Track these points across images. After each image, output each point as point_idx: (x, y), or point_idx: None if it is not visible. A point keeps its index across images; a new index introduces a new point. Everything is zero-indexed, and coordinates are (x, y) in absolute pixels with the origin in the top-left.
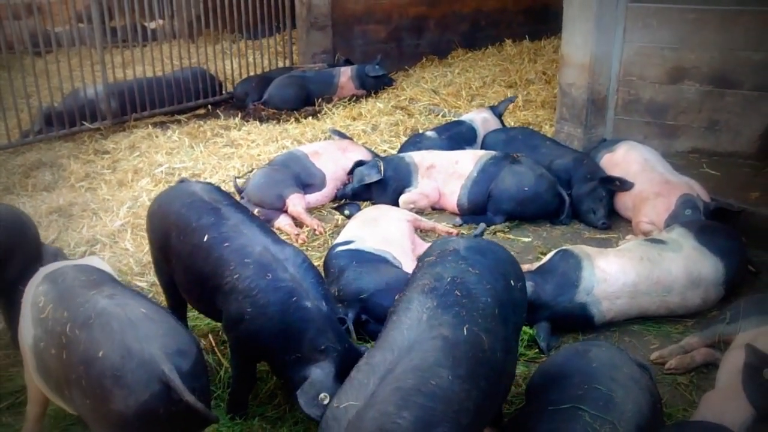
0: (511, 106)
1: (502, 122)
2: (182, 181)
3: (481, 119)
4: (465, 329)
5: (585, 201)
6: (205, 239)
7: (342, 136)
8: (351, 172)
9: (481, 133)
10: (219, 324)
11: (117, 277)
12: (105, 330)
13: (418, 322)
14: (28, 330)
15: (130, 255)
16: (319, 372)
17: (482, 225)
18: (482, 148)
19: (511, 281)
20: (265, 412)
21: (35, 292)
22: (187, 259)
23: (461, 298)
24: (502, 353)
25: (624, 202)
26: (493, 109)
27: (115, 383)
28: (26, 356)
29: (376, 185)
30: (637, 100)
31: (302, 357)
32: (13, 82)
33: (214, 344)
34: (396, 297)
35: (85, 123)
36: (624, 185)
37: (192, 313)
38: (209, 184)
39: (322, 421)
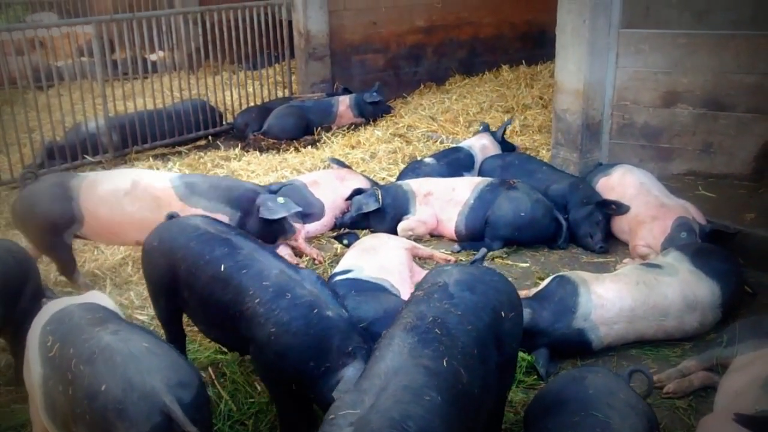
0: (508, 131)
1: (506, 144)
2: (171, 216)
3: (480, 146)
4: (444, 361)
5: (582, 225)
6: (222, 269)
7: (341, 164)
8: (349, 199)
9: (479, 159)
10: (219, 356)
11: (119, 311)
12: (108, 364)
13: (400, 354)
14: (36, 369)
15: (131, 289)
16: (352, 370)
17: (483, 250)
18: (479, 174)
19: (502, 313)
20: None
21: (43, 331)
22: (202, 291)
23: (441, 336)
24: (480, 390)
25: (620, 225)
26: (493, 134)
27: (118, 416)
28: (33, 394)
29: (375, 213)
30: (632, 124)
31: (332, 366)
32: (15, 116)
33: (213, 377)
34: (383, 332)
35: (86, 156)
36: (620, 209)
37: (192, 346)
38: (206, 216)
39: None
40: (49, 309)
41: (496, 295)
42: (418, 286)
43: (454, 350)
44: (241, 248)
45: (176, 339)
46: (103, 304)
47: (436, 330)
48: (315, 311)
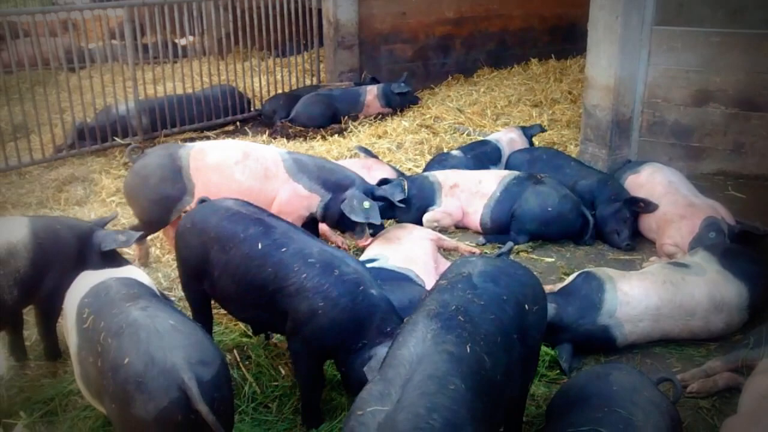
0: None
1: (531, 143)
2: (203, 200)
3: (507, 140)
4: (468, 347)
5: (609, 222)
6: (260, 247)
7: (368, 153)
8: None
9: (506, 153)
10: (244, 339)
11: (154, 286)
12: (132, 339)
13: (423, 341)
14: (72, 339)
15: (158, 270)
16: (385, 349)
17: (509, 244)
18: (506, 167)
19: (526, 306)
20: (290, 427)
21: (80, 302)
22: (237, 269)
23: (464, 323)
24: (502, 377)
25: (648, 223)
26: (524, 129)
27: (137, 389)
28: (74, 363)
29: (400, 204)
30: (662, 122)
31: (368, 343)
32: (48, 97)
33: (238, 359)
34: (405, 319)
35: (116, 139)
36: (648, 207)
37: (217, 329)
38: (238, 199)
39: (347, 430)
40: (88, 281)
41: (520, 288)
42: (443, 276)
43: (476, 337)
44: (275, 227)
45: (204, 320)
46: (140, 279)
47: (459, 317)
48: (361, 288)
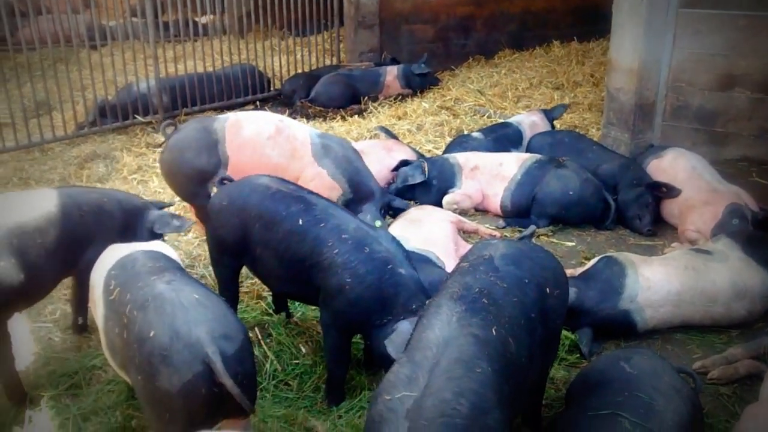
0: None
1: (552, 126)
2: (224, 180)
3: (529, 122)
4: (493, 330)
5: (631, 207)
6: (300, 223)
7: (389, 133)
8: (396, 170)
9: (527, 135)
10: (266, 317)
11: (180, 260)
12: (158, 312)
13: (448, 324)
14: (100, 310)
15: (179, 248)
16: (408, 324)
17: (531, 227)
18: (527, 150)
19: (547, 289)
20: (311, 405)
21: (108, 274)
22: (279, 245)
23: (488, 306)
24: (527, 360)
25: (670, 209)
26: (546, 112)
27: (162, 362)
28: (101, 335)
29: (420, 185)
30: (686, 106)
31: (393, 318)
32: (69, 74)
33: (260, 337)
34: (427, 302)
35: (137, 116)
36: (671, 192)
37: (239, 306)
38: (274, 176)
39: (375, 413)
40: (115, 253)
41: (542, 272)
42: (464, 259)
43: (501, 320)
44: (316, 204)
45: (231, 297)
46: (166, 253)
47: (483, 300)
48: (389, 267)
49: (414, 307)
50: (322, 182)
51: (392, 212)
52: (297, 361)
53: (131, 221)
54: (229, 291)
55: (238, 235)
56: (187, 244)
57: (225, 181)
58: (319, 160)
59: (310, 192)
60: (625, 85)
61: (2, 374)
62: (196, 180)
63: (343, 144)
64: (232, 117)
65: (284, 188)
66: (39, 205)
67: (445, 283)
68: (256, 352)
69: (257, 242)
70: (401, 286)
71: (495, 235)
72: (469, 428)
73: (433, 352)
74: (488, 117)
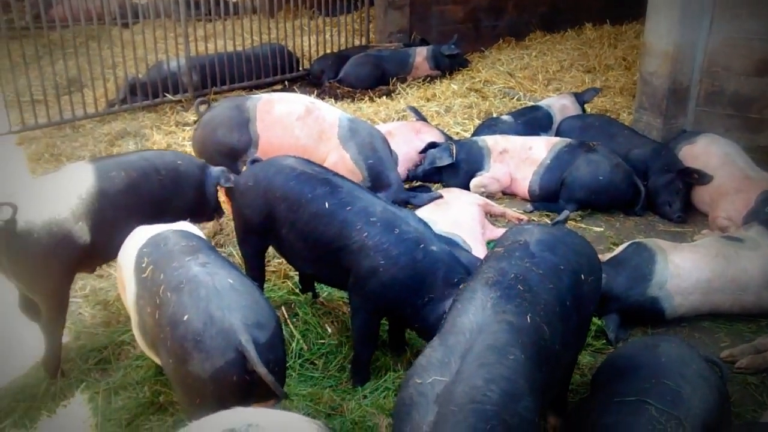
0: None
1: (583, 110)
2: (255, 160)
3: (559, 106)
4: (528, 317)
5: (661, 193)
6: (327, 206)
7: (418, 114)
8: (423, 152)
9: (557, 119)
10: (293, 297)
11: (206, 239)
12: (192, 296)
13: (483, 309)
14: (131, 288)
15: (203, 227)
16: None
17: (565, 212)
18: (557, 134)
19: (582, 276)
20: (336, 384)
21: (139, 252)
22: (305, 227)
23: (524, 292)
24: (561, 346)
25: (701, 196)
26: (576, 96)
27: (195, 347)
28: (130, 312)
29: (448, 168)
30: (721, 91)
31: (436, 297)
32: (101, 52)
33: (286, 316)
34: (460, 286)
35: (167, 95)
36: (703, 178)
37: (266, 285)
38: (300, 158)
39: (405, 396)
40: (144, 232)
41: (577, 258)
42: (498, 243)
43: (536, 307)
44: (341, 186)
45: (258, 276)
46: (195, 232)
47: (519, 286)
48: (421, 246)
49: (456, 280)
50: (344, 166)
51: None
52: (323, 341)
53: (202, 180)
54: (254, 269)
55: (263, 216)
56: (214, 224)
57: (255, 161)
58: (344, 144)
59: (336, 174)
60: (658, 69)
61: (51, 340)
62: (226, 157)
63: (371, 131)
64: (265, 97)
65: (309, 170)
66: (118, 171)
67: (479, 268)
68: (283, 332)
69: (282, 223)
70: (438, 262)
71: (522, 219)
72: (498, 415)
73: (466, 338)
74: (518, 100)
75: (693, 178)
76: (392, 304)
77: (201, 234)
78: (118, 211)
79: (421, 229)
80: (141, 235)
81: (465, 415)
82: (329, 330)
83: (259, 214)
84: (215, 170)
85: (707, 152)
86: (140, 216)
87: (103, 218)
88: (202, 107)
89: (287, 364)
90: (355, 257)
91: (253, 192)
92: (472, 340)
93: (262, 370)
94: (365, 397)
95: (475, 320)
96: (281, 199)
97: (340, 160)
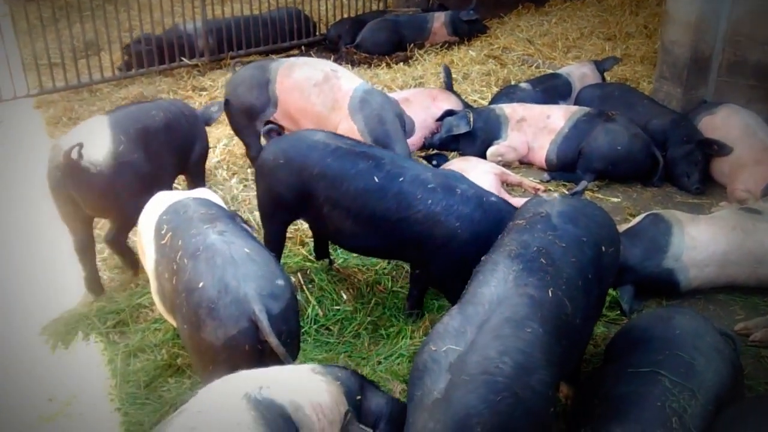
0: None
1: (603, 78)
2: (270, 128)
3: (579, 74)
4: (549, 291)
5: (680, 164)
6: (376, 180)
7: (448, 75)
8: (440, 120)
9: (576, 87)
10: (308, 264)
11: (226, 208)
12: (209, 263)
13: (504, 282)
14: (150, 254)
15: (226, 191)
16: None
17: (583, 183)
18: (576, 103)
19: (603, 247)
20: (351, 350)
21: (159, 219)
22: (352, 204)
23: (546, 266)
24: (582, 320)
25: (720, 167)
26: (597, 63)
27: (209, 314)
28: (150, 277)
29: (465, 136)
30: (744, 61)
31: None
32: (118, 15)
33: (302, 282)
34: (482, 258)
35: (183, 59)
36: (722, 150)
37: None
38: (326, 131)
39: (420, 362)
40: (165, 199)
41: (598, 230)
42: (519, 215)
43: (559, 280)
44: (382, 158)
45: (277, 249)
46: (214, 200)
47: (541, 259)
48: (485, 199)
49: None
50: (352, 136)
51: (436, 162)
52: (338, 307)
53: (199, 123)
54: (276, 243)
55: (297, 194)
56: (229, 189)
57: (273, 133)
58: (353, 115)
59: (370, 145)
60: (680, 37)
61: (119, 253)
62: (245, 115)
63: (384, 103)
64: (289, 60)
65: (343, 144)
66: (158, 113)
67: (501, 240)
68: (299, 297)
69: (323, 201)
70: (502, 211)
71: (539, 189)
72: (510, 388)
73: (485, 309)
74: (537, 67)
75: (712, 149)
76: (476, 260)
77: (221, 202)
78: (161, 145)
79: (474, 183)
80: (161, 201)
81: (476, 385)
82: (344, 297)
83: (293, 193)
84: (202, 113)
85: (727, 123)
86: (175, 151)
87: (152, 150)
88: (238, 68)
89: (303, 330)
90: (422, 227)
91: (285, 169)
92: (491, 311)
93: (273, 340)
94: (380, 363)
95: (496, 292)
96: (319, 176)
97: (349, 130)
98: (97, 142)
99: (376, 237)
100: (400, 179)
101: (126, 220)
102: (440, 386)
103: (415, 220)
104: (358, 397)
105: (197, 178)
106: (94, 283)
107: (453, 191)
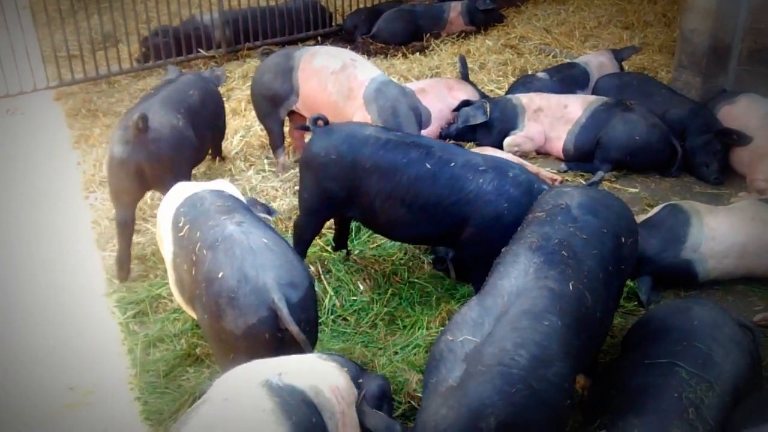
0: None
1: (621, 68)
2: (317, 119)
3: (597, 63)
4: (570, 285)
5: (698, 154)
6: (428, 166)
7: (464, 66)
8: (457, 110)
9: (594, 77)
10: (325, 254)
11: (243, 199)
12: (228, 254)
13: (525, 274)
14: (168, 246)
15: (245, 182)
16: None
17: (600, 173)
18: (594, 92)
19: (622, 238)
20: (367, 340)
21: (176, 212)
22: (406, 193)
23: (567, 258)
24: (602, 313)
25: (740, 157)
26: (615, 53)
27: (229, 304)
28: (168, 268)
29: (481, 126)
30: (764, 49)
31: None
32: (135, 6)
33: (320, 272)
34: (502, 250)
35: (200, 50)
36: (742, 140)
37: None
38: (372, 125)
39: (436, 351)
40: (182, 191)
41: (617, 220)
42: (538, 207)
43: (580, 273)
44: (432, 145)
45: (309, 243)
46: (231, 192)
47: (563, 252)
48: (536, 186)
49: None
50: None
51: None
52: (355, 298)
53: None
54: (309, 238)
55: (348, 190)
56: (247, 179)
57: (319, 121)
58: (367, 105)
59: (417, 135)
60: (699, 26)
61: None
62: (269, 101)
63: (399, 95)
64: (313, 48)
65: (393, 136)
66: (195, 90)
67: (521, 232)
68: (316, 288)
69: (375, 195)
70: None
71: (557, 179)
72: (525, 380)
73: (504, 300)
74: (554, 56)
75: (731, 139)
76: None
77: (238, 193)
78: (204, 119)
79: (526, 170)
80: (178, 194)
81: (492, 375)
82: (361, 287)
83: (343, 188)
84: (215, 76)
85: (747, 113)
86: (213, 122)
87: (198, 124)
88: (265, 55)
89: (320, 320)
90: (472, 206)
91: (337, 165)
92: (509, 303)
93: (294, 328)
94: (396, 353)
95: (516, 284)
96: (372, 170)
97: (363, 120)
98: (158, 117)
99: (429, 224)
100: (452, 164)
101: None
102: (455, 375)
103: (466, 200)
104: (360, 380)
105: (220, 141)
106: (124, 262)
107: (505, 174)
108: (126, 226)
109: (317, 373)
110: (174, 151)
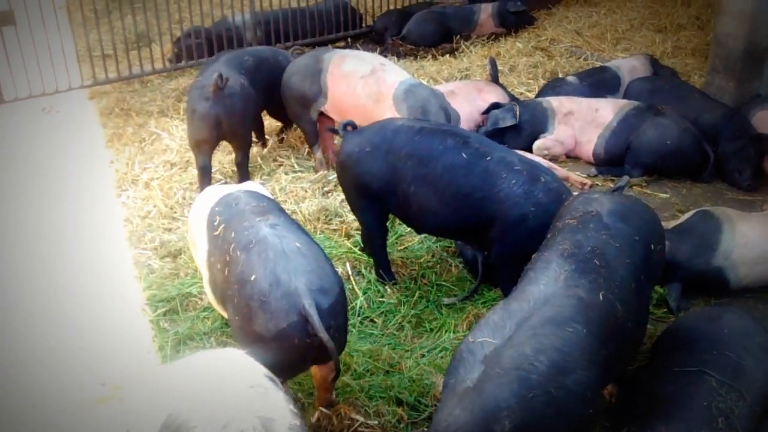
0: (658, 53)
1: (655, 74)
2: (346, 125)
3: (629, 67)
4: (601, 295)
5: (731, 160)
6: (464, 156)
7: (494, 68)
8: (486, 113)
9: (625, 81)
10: (354, 255)
11: (274, 200)
12: (261, 257)
13: (555, 281)
14: (202, 245)
15: (275, 182)
16: None
17: (625, 178)
18: (625, 97)
19: (652, 245)
20: (394, 342)
21: (211, 211)
22: (439, 181)
23: (599, 267)
24: (633, 324)
25: None
26: (650, 58)
27: (260, 307)
28: (201, 268)
29: (511, 129)
30: None
31: None
32: (168, 7)
33: (350, 273)
34: (533, 256)
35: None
36: None
37: (328, 242)
38: (406, 117)
39: (458, 352)
40: (215, 192)
41: (647, 227)
42: (566, 212)
43: (611, 283)
44: (469, 137)
45: (383, 236)
46: (263, 193)
47: (595, 261)
48: (564, 197)
49: None
50: None
51: None
52: (382, 299)
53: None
54: (381, 233)
55: (386, 178)
56: (277, 180)
57: (348, 127)
58: (397, 105)
59: (454, 126)
60: (734, 29)
61: (244, 172)
62: (298, 102)
63: (428, 97)
64: (342, 51)
65: (427, 124)
66: (274, 56)
67: (552, 238)
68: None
69: (410, 181)
70: None
71: (586, 184)
72: (543, 386)
73: (529, 306)
74: (585, 59)
75: (765, 145)
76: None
77: (269, 195)
78: (272, 84)
79: (559, 179)
80: (212, 194)
81: (509, 379)
82: (389, 290)
83: (381, 178)
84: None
85: None
86: (265, 87)
87: (262, 86)
88: (296, 55)
89: (350, 323)
90: (501, 206)
91: (371, 157)
92: (534, 309)
93: (324, 335)
94: (423, 356)
95: (545, 290)
96: (407, 156)
97: None
98: (231, 78)
99: (458, 216)
100: (488, 158)
101: (248, 142)
102: (473, 376)
103: (496, 198)
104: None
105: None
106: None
107: (537, 179)
108: (206, 170)
109: None
110: (243, 103)
